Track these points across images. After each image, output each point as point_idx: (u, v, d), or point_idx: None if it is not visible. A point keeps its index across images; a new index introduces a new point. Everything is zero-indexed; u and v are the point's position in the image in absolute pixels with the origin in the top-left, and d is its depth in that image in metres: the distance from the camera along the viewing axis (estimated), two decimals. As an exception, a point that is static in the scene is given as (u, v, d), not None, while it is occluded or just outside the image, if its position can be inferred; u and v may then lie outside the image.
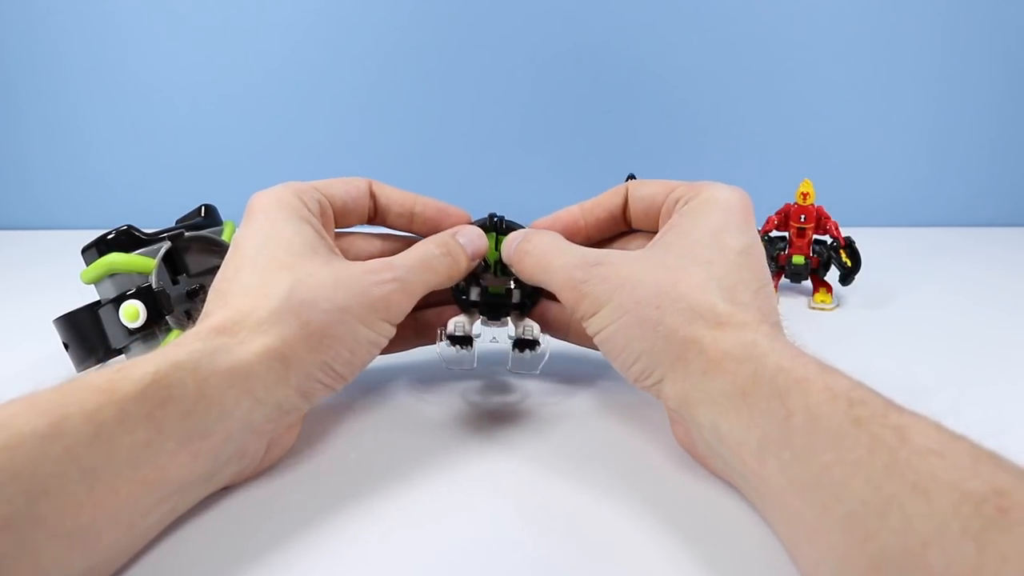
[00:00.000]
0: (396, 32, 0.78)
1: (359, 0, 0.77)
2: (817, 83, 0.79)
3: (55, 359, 0.40)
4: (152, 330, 0.36)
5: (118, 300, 0.35)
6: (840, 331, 0.47)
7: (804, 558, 0.21)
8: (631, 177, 0.41)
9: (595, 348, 0.35)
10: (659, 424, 0.31)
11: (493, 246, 0.34)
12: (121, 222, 0.38)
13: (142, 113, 0.81)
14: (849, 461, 0.19)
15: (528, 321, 0.34)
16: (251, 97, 0.80)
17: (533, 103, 0.80)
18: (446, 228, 0.35)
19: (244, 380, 0.25)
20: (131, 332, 0.35)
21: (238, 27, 0.78)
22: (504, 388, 0.37)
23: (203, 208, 0.42)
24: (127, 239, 0.37)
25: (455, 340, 0.33)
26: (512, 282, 0.34)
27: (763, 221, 0.53)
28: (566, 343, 0.36)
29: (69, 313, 0.37)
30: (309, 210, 0.31)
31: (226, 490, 0.27)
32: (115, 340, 0.36)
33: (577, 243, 0.35)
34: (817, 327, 0.48)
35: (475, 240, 0.32)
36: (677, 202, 0.31)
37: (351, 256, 0.35)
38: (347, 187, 0.34)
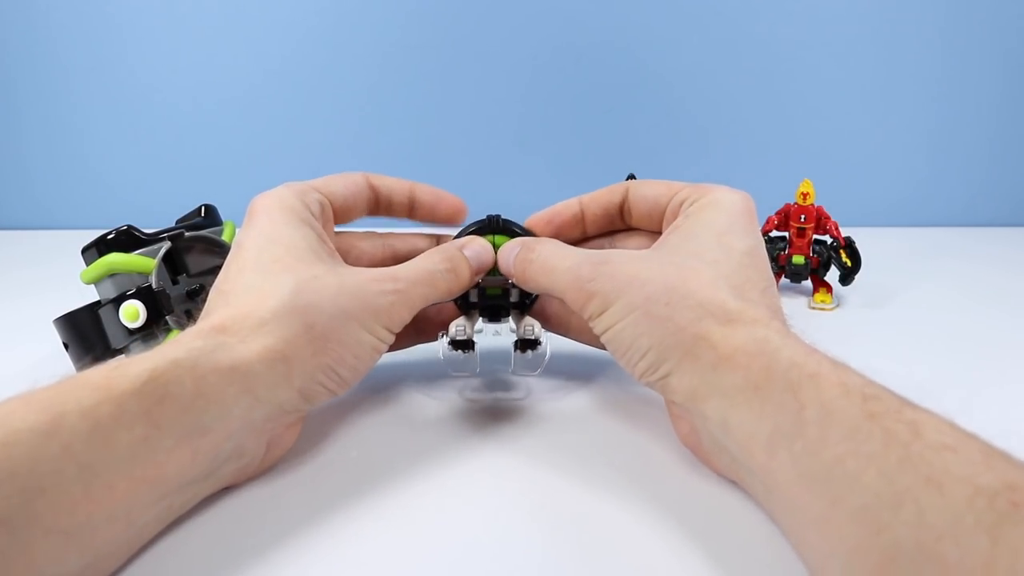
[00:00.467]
0: (395, 32, 0.78)
1: (360, 2, 0.77)
2: (817, 83, 0.79)
3: (55, 359, 0.40)
4: (152, 330, 0.36)
5: (118, 300, 0.35)
6: (840, 331, 0.47)
7: (812, 551, 0.21)
8: (631, 177, 0.41)
9: (595, 344, 0.35)
10: (661, 422, 0.31)
11: (495, 245, 0.34)
12: (121, 222, 0.38)
13: (142, 113, 0.81)
14: (863, 454, 0.20)
15: (529, 320, 0.34)
16: (251, 97, 0.80)
17: (533, 102, 0.80)
18: (441, 213, 0.36)
19: (244, 378, 0.25)
20: (131, 332, 0.35)
21: (238, 27, 0.78)
22: (505, 386, 0.37)
23: (203, 208, 0.42)
24: (127, 239, 0.37)
25: (457, 344, 0.33)
26: (509, 282, 0.34)
27: (763, 221, 0.53)
28: (567, 341, 0.36)
29: (69, 313, 0.37)
30: (311, 212, 0.31)
31: (226, 489, 0.27)
32: (115, 340, 0.36)
33: (574, 237, 0.35)
34: (817, 327, 0.47)
35: (481, 254, 0.33)
36: (682, 204, 0.31)
37: (352, 256, 0.35)
38: (346, 183, 0.34)
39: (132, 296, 0.35)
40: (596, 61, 0.78)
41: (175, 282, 0.37)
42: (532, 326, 0.33)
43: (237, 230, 0.42)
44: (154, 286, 0.36)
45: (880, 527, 0.18)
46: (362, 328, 0.28)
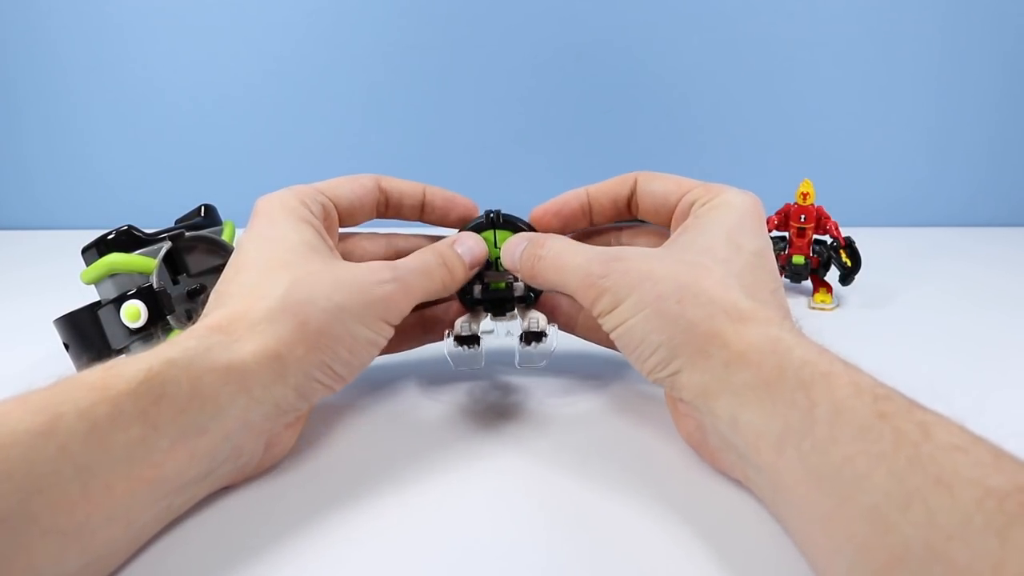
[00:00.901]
0: (395, 31, 0.78)
1: (359, 2, 0.77)
2: (817, 83, 0.79)
3: (55, 359, 0.40)
4: (153, 330, 0.36)
5: (119, 300, 0.35)
6: (840, 331, 0.47)
7: (818, 549, 0.21)
8: None
9: (602, 342, 0.35)
10: (666, 421, 0.31)
11: (493, 243, 0.34)
12: (121, 222, 0.38)
13: (142, 113, 0.81)
14: (873, 453, 0.20)
15: (534, 313, 0.33)
16: (251, 97, 0.80)
17: (533, 102, 0.80)
18: (454, 217, 0.36)
19: (240, 378, 0.25)
20: (132, 332, 0.35)
21: (238, 27, 0.78)
22: (509, 386, 0.37)
23: (203, 208, 0.42)
24: (127, 239, 0.37)
25: (462, 340, 0.33)
26: (513, 276, 0.34)
27: (763, 221, 0.53)
28: (573, 340, 0.36)
29: (69, 313, 0.37)
30: (312, 213, 0.31)
31: (225, 489, 0.27)
32: (115, 340, 0.36)
33: (581, 228, 0.35)
34: (817, 327, 0.48)
35: (474, 249, 0.33)
36: (692, 204, 0.31)
37: (356, 257, 0.35)
38: (353, 186, 0.34)
39: (133, 296, 0.35)
40: (597, 60, 0.78)
41: (175, 282, 0.37)
42: (537, 319, 0.33)
43: (237, 230, 0.42)
44: (155, 286, 0.36)
45: (888, 526, 0.18)
46: (358, 322, 0.28)
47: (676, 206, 0.32)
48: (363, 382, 0.36)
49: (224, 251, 0.40)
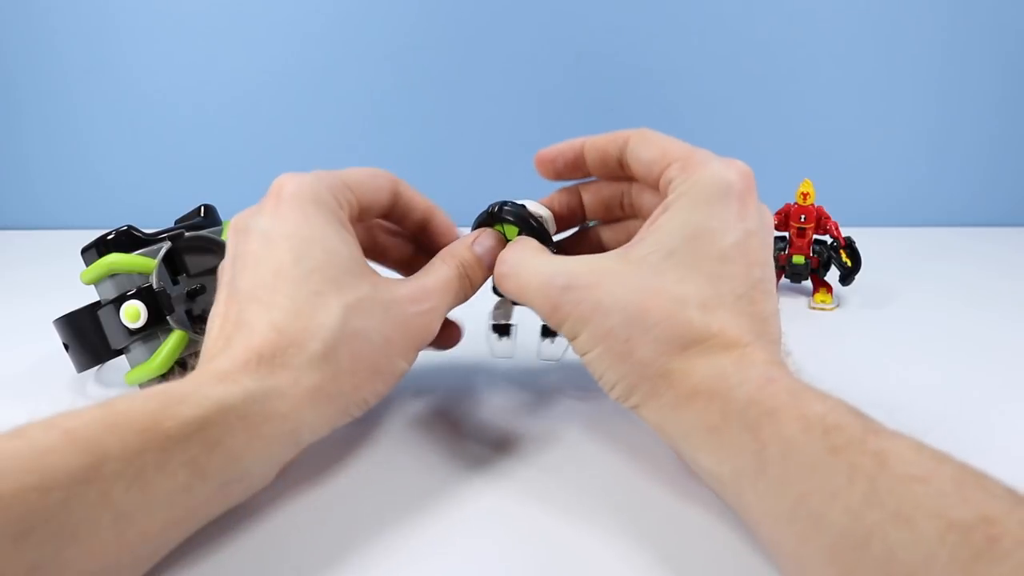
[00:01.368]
0: (395, 32, 0.78)
1: (359, 2, 0.77)
2: (817, 83, 0.79)
3: (55, 359, 0.40)
4: (153, 331, 0.36)
5: (118, 300, 0.35)
6: (840, 331, 0.47)
7: None
8: None
9: None
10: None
11: (504, 235, 0.33)
12: (121, 222, 0.38)
13: (142, 113, 0.81)
14: (827, 491, 0.19)
15: None
16: (251, 97, 0.80)
17: (533, 102, 0.80)
18: (443, 245, 0.34)
19: (293, 428, 0.25)
20: (131, 332, 0.35)
21: (238, 27, 0.78)
22: (507, 402, 0.37)
23: (203, 208, 0.42)
24: (127, 239, 0.36)
25: (498, 329, 0.33)
26: None
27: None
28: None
29: (69, 314, 0.37)
30: (342, 209, 0.29)
31: None
32: (115, 341, 0.36)
33: (576, 179, 0.34)
34: (817, 327, 0.48)
35: (488, 248, 0.32)
36: (671, 183, 0.28)
37: (375, 252, 0.35)
38: (375, 185, 0.32)
39: (133, 296, 0.35)
40: (596, 61, 0.78)
41: (175, 282, 0.37)
42: None
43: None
44: (155, 286, 0.35)
45: (849, 566, 0.18)
46: (399, 356, 0.28)
47: (660, 178, 0.29)
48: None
49: (224, 251, 0.40)
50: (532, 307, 0.29)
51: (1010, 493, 0.17)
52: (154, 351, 0.36)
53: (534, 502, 0.27)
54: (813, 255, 0.52)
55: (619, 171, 0.32)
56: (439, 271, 0.30)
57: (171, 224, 0.41)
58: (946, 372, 0.40)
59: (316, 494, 0.28)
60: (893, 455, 0.19)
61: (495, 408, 0.35)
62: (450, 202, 0.36)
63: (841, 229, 0.52)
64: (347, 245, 0.28)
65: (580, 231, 0.37)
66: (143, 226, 0.38)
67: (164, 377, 0.35)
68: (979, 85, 0.79)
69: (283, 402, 0.24)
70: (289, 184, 0.29)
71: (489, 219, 0.33)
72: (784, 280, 0.54)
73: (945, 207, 0.83)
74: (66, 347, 0.38)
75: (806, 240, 0.52)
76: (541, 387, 0.37)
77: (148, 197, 0.82)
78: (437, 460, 0.30)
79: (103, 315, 0.36)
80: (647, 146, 0.30)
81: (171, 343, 0.35)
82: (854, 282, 0.52)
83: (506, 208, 0.33)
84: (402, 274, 0.36)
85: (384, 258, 0.36)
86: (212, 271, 0.39)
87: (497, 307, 0.33)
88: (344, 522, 0.26)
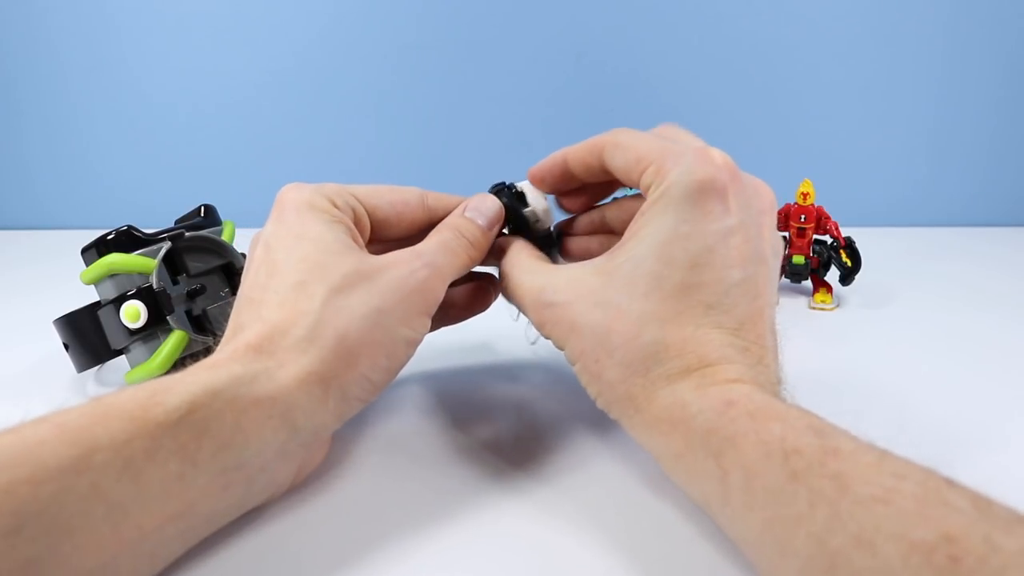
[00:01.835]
0: (395, 32, 0.78)
1: (360, 2, 0.77)
2: (817, 83, 0.79)
3: (55, 359, 0.40)
4: (153, 331, 0.36)
5: (118, 300, 0.35)
6: (840, 331, 0.47)
7: None
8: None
9: None
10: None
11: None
12: (121, 222, 0.38)
13: (142, 113, 0.81)
14: (790, 518, 0.19)
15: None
16: (252, 97, 0.80)
17: (534, 102, 0.80)
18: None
19: (284, 410, 0.24)
20: (132, 333, 0.35)
21: (238, 27, 0.78)
22: (509, 406, 0.37)
23: (203, 208, 0.42)
24: (127, 239, 0.36)
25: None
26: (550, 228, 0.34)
27: (763, 221, 0.53)
28: None
29: (69, 314, 0.37)
30: (342, 212, 0.29)
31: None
32: (115, 341, 0.36)
33: (573, 188, 0.34)
34: (817, 327, 0.48)
35: (483, 208, 0.31)
36: (649, 187, 0.27)
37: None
38: (392, 197, 0.31)
39: (132, 296, 0.35)
40: (596, 61, 0.78)
41: (175, 282, 0.37)
42: None
43: (237, 230, 0.42)
44: (155, 286, 0.35)
45: None
46: (398, 322, 0.27)
47: (638, 185, 0.29)
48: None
49: (224, 251, 0.40)
50: (526, 314, 0.29)
51: (974, 504, 0.17)
52: (154, 351, 0.36)
53: (536, 512, 0.27)
54: (813, 255, 0.52)
55: (607, 176, 0.32)
56: (431, 235, 0.30)
57: (171, 224, 0.41)
58: (946, 372, 0.40)
59: (309, 504, 0.27)
60: (853, 476, 0.18)
61: (497, 414, 0.35)
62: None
63: (841, 229, 0.52)
64: (333, 231, 0.28)
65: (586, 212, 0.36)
66: (143, 226, 0.38)
67: (164, 377, 0.35)
68: (979, 85, 0.79)
69: (271, 384, 0.24)
70: (289, 192, 0.29)
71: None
72: (784, 280, 0.54)
73: (945, 207, 0.83)
74: (66, 347, 0.38)
75: (806, 240, 0.52)
76: (550, 388, 0.37)
77: (148, 197, 0.82)
78: (437, 470, 0.30)
79: (103, 315, 0.36)
80: (621, 152, 0.29)
81: (171, 343, 0.35)
82: (854, 282, 0.52)
83: (509, 193, 0.33)
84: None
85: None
86: (212, 271, 0.39)
87: None
88: (339, 531, 0.25)
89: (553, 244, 0.35)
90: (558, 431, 0.32)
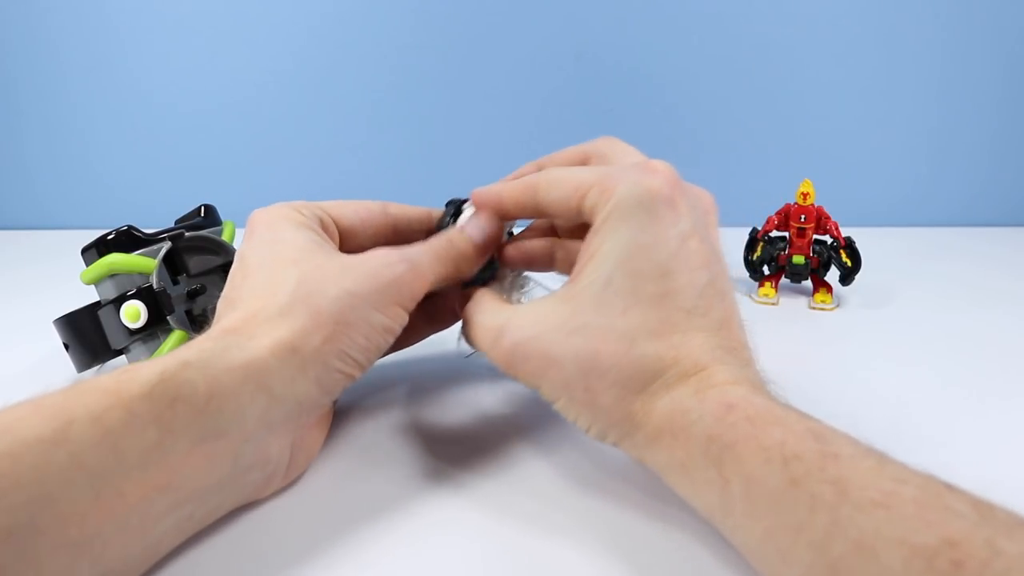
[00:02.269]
0: (394, 32, 0.78)
1: (359, 2, 0.77)
2: (817, 83, 0.79)
3: (55, 359, 0.40)
4: (153, 331, 0.36)
5: (118, 300, 0.35)
6: (840, 331, 0.47)
7: None
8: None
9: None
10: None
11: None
12: (121, 222, 0.38)
13: (142, 113, 0.81)
14: (791, 525, 0.19)
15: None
16: (251, 98, 0.80)
17: (533, 103, 0.80)
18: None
19: (258, 375, 0.24)
20: (132, 333, 0.35)
21: (238, 28, 0.78)
22: (497, 411, 0.37)
23: (203, 208, 0.42)
24: (127, 239, 0.37)
25: None
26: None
27: (763, 221, 0.53)
28: None
29: (69, 314, 0.37)
30: (310, 220, 0.31)
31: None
32: (115, 341, 0.36)
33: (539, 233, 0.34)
34: (817, 327, 0.48)
35: (484, 227, 0.32)
36: (594, 208, 0.27)
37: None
38: (356, 207, 0.33)
39: (133, 296, 0.35)
40: (596, 61, 0.78)
41: (175, 282, 0.37)
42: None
43: (237, 230, 0.42)
44: (155, 286, 0.36)
45: None
46: (371, 307, 0.27)
47: (579, 210, 0.28)
48: (356, 400, 0.36)
49: (224, 251, 0.40)
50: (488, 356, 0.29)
51: (975, 508, 0.17)
52: (154, 351, 0.36)
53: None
54: (813, 255, 0.52)
55: (539, 214, 0.31)
56: (420, 243, 0.31)
57: (171, 224, 0.41)
58: (946, 372, 0.40)
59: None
60: (853, 481, 0.18)
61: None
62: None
63: (841, 229, 0.52)
64: (304, 234, 0.29)
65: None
66: (143, 226, 0.38)
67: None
68: (979, 85, 0.79)
69: (242, 353, 0.24)
70: (259, 214, 0.31)
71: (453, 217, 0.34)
72: (784, 280, 0.54)
73: (945, 207, 0.83)
74: (66, 347, 0.38)
75: (806, 240, 0.52)
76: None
77: (148, 197, 0.82)
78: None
79: (103, 315, 0.36)
80: (556, 187, 0.28)
81: (171, 343, 0.35)
82: (854, 282, 0.52)
83: (445, 220, 0.34)
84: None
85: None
86: (212, 271, 0.39)
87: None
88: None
89: (493, 265, 0.34)
90: (537, 431, 0.32)
